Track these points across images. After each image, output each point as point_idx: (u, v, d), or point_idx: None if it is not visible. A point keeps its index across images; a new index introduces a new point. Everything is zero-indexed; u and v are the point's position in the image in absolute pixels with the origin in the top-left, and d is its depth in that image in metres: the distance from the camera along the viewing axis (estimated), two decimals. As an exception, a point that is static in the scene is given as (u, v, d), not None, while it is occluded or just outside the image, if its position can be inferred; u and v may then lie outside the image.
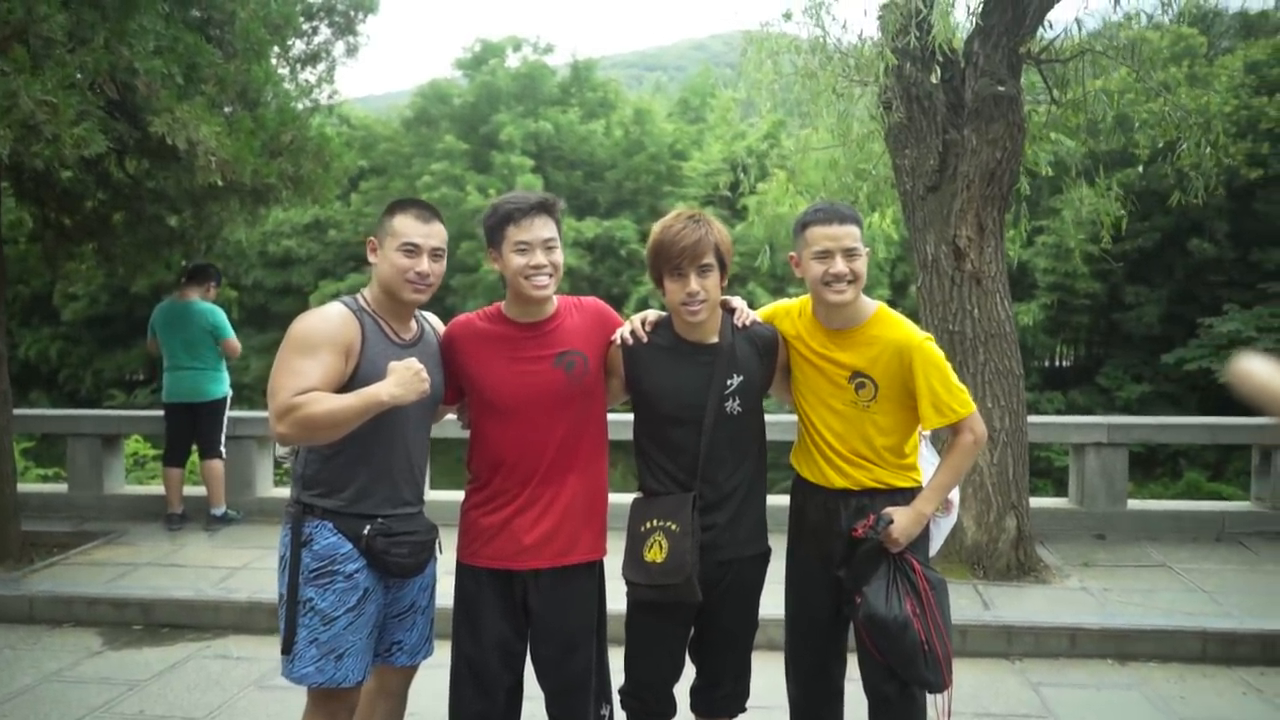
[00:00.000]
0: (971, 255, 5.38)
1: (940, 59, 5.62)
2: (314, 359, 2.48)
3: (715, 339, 2.84)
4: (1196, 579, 5.24)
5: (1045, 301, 21.73)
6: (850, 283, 2.73)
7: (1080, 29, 5.84)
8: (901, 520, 2.74)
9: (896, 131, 5.74)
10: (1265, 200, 20.10)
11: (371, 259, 2.70)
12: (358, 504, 2.59)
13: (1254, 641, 4.39)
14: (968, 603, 4.81)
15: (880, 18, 5.84)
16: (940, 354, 2.78)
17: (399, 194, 23.70)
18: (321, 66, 7.06)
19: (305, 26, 6.97)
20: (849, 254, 2.72)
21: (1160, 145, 9.26)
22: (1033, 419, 5.95)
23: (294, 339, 2.52)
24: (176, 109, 4.75)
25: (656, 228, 2.83)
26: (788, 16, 6.73)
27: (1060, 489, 14.89)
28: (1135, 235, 21.67)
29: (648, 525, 2.76)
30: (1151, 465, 18.57)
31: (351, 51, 7.24)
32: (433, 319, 2.94)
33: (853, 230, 2.75)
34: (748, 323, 2.88)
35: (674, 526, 2.71)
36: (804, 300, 2.96)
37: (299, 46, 7.01)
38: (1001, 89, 5.24)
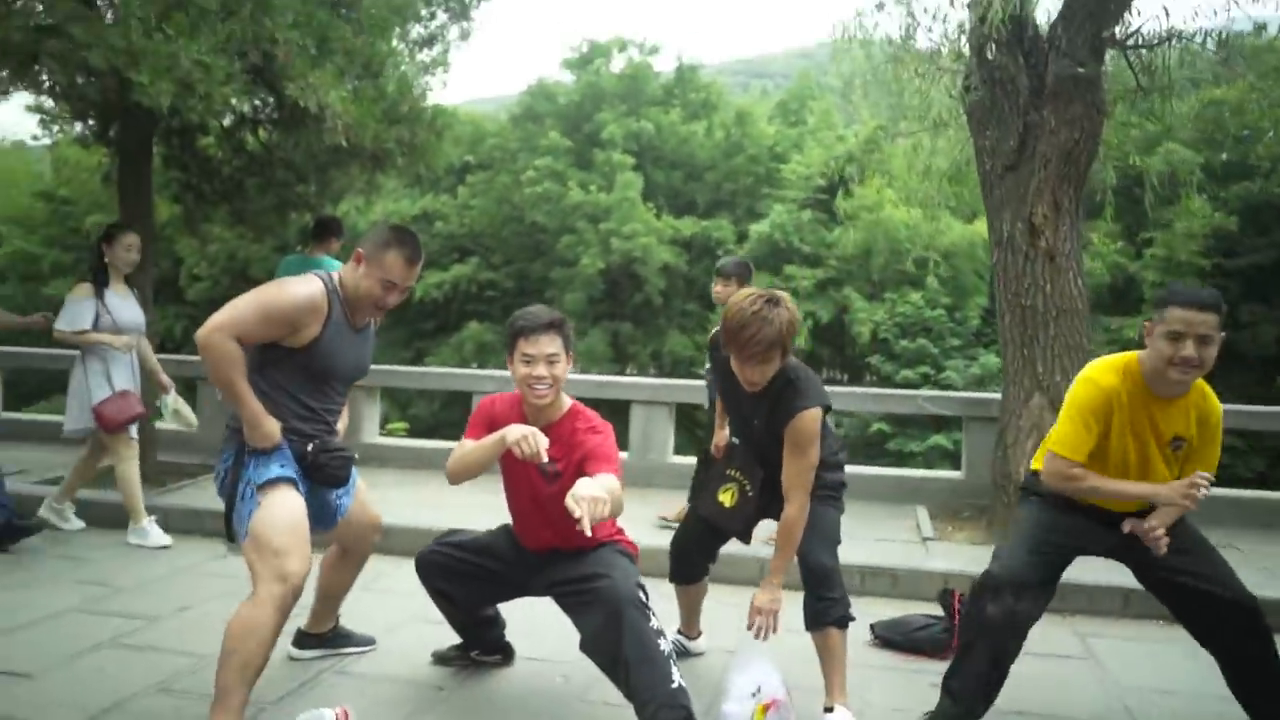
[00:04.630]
0: (1046, 232, 5.53)
1: (1024, 44, 5.81)
2: (269, 323, 2.99)
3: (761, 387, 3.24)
4: (1258, 559, 5.29)
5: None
6: (1196, 367, 2.86)
7: (1168, 15, 5.90)
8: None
9: (979, 113, 5.93)
10: (1391, 215, 19.21)
11: (354, 266, 3.11)
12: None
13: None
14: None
15: (970, 4, 6.05)
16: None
17: (504, 189, 24.54)
18: (437, 48, 7.58)
19: (424, 12, 7.51)
20: (1203, 341, 2.84)
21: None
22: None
23: (268, 301, 2.99)
24: (310, 75, 5.28)
25: (733, 308, 3.12)
26: (880, 6, 6.96)
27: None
28: (1252, 251, 20.98)
29: (730, 471, 3.46)
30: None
31: (465, 36, 7.75)
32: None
33: (1211, 318, 2.85)
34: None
35: (748, 487, 3.38)
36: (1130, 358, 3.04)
37: (417, 30, 7.56)
38: (1082, 70, 5.40)
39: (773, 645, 3.27)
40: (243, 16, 5.01)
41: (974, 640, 3.11)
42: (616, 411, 8.95)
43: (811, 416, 3.13)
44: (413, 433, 18.88)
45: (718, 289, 5.36)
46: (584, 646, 3.08)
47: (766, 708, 3.09)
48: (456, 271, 24.70)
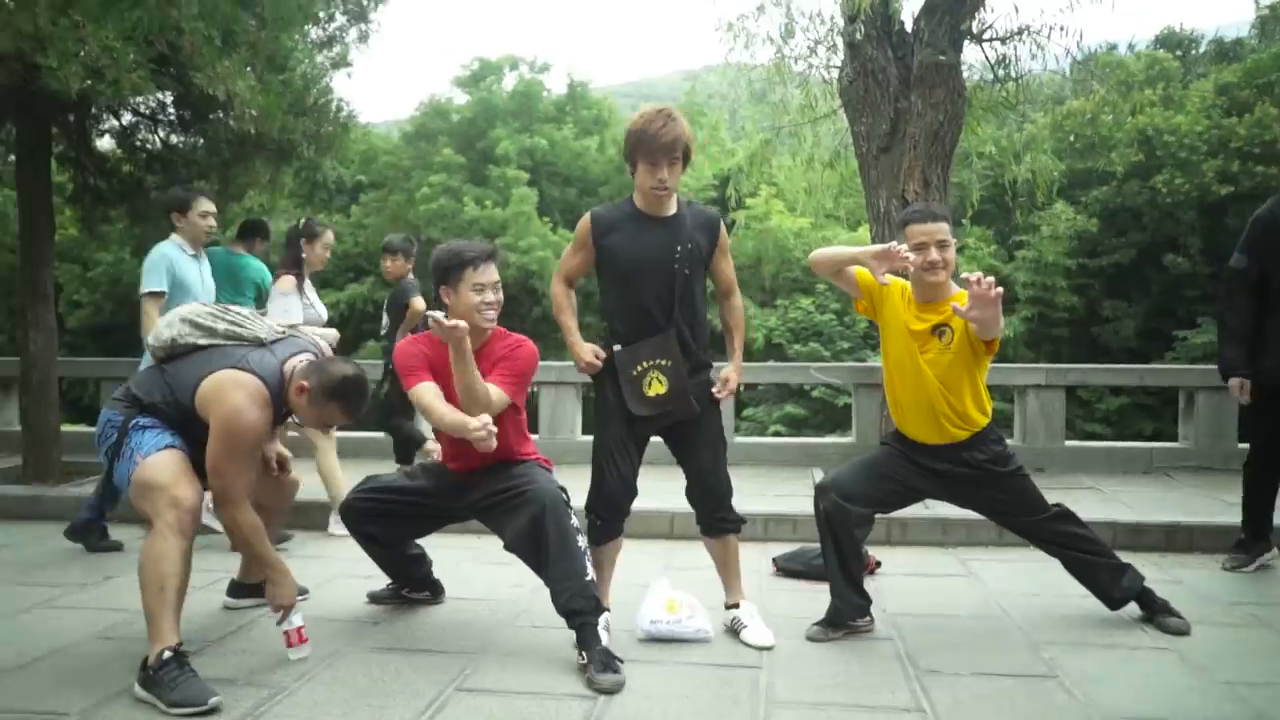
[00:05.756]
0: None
1: (892, 38, 6.34)
2: (253, 459, 3.22)
3: (672, 212, 3.49)
4: (1118, 496, 5.87)
5: (1026, 315, 22.38)
6: (943, 267, 3.40)
7: (1018, 13, 6.52)
8: None
9: (854, 102, 6.43)
10: (1237, 216, 20.81)
11: (297, 394, 3.23)
12: None
13: (1157, 531, 5.00)
14: (911, 507, 5.40)
15: (841, 4, 6.56)
16: None
17: (398, 206, 24.44)
18: (336, 50, 7.72)
19: (323, 14, 7.65)
20: (941, 245, 3.39)
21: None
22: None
23: (239, 448, 3.09)
24: (217, 65, 5.40)
25: (635, 119, 3.43)
26: (761, 9, 7.44)
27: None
28: (1112, 251, 22.45)
29: (640, 367, 3.40)
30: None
31: (364, 38, 7.90)
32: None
33: (942, 225, 3.42)
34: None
35: (665, 362, 3.39)
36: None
37: (316, 32, 7.69)
38: (943, 58, 5.95)
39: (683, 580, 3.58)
40: (149, 5, 5.10)
41: (822, 537, 3.60)
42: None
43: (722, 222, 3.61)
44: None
45: (387, 264, 6.03)
46: (509, 545, 3.37)
47: (677, 601, 3.43)
48: (352, 291, 24.42)
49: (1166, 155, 21.37)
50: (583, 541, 3.24)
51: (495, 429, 3.16)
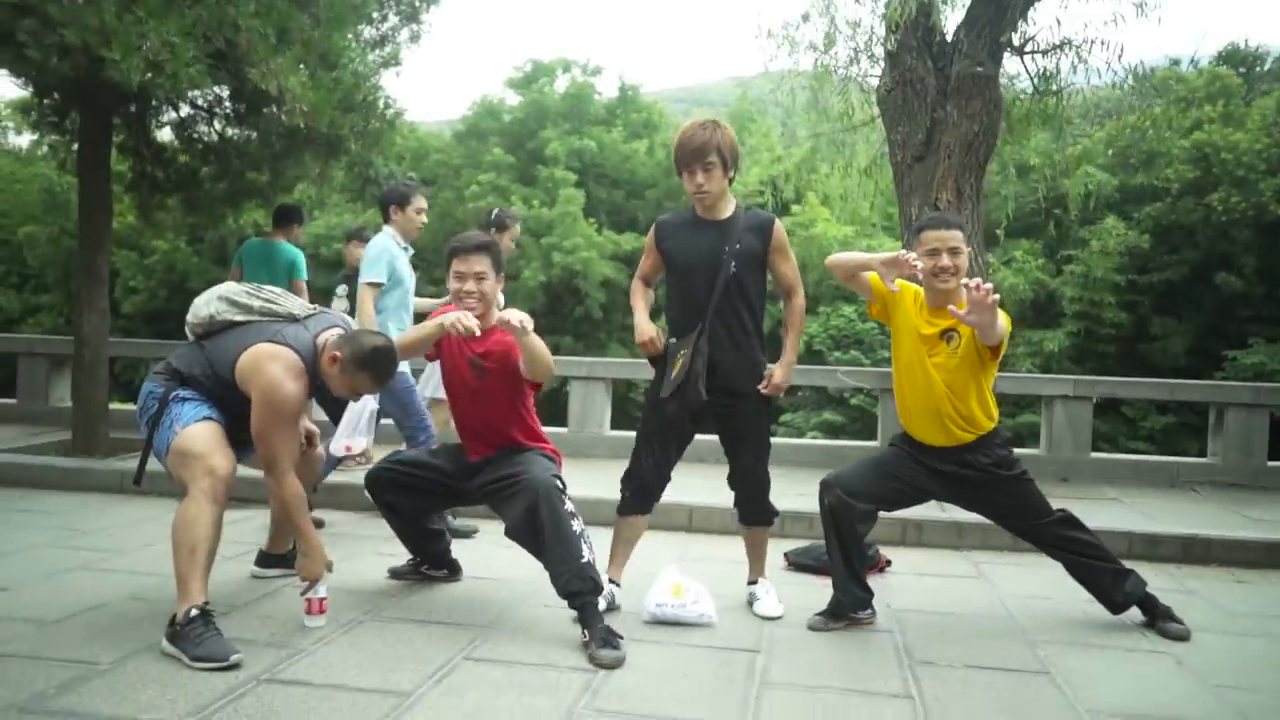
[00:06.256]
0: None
1: (932, 48, 6.40)
2: (296, 424, 3.39)
3: (726, 216, 3.67)
4: (1140, 508, 5.86)
5: (1072, 329, 22.07)
6: (954, 273, 3.46)
7: (1060, 25, 6.55)
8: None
9: (891, 110, 6.50)
10: (1294, 237, 20.38)
11: (330, 363, 3.38)
12: None
13: (1174, 542, 5.01)
14: (926, 510, 5.46)
15: (884, 15, 6.63)
16: None
17: (447, 204, 24.83)
18: (389, 49, 7.95)
19: (375, 14, 7.88)
20: (953, 252, 3.45)
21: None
22: (1004, 374, 6.59)
23: (282, 415, 3.26)
24: (270, 61, 5.63)
25: (677, 132, 3.68)
26: (805, 18, 7.54)
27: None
28: (1163, 268, 22.07)
29: (677, 356, 3.62)
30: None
31: (415, 38, 8.13)
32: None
33: (955, 233, 3.50)
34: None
35: (687, 350, 3.59)
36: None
37: (369, 32, 7.93)
38: (980, 69, 5.99)
39: (694, 570, 3.69)
40: (208, 3, 5.34)
41: (826, 532, 3.70)
42: (555, 388, 9.33)
43: (780, 225, 3.71)
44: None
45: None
46: (509, 531, 3.55)
47: (683, 586, 3.55)
48: (399, 285, 24.80)
49: (1223, 172, 20.96)
50: (578, 525, 3.38)
51: (468, 315, 3.36)
